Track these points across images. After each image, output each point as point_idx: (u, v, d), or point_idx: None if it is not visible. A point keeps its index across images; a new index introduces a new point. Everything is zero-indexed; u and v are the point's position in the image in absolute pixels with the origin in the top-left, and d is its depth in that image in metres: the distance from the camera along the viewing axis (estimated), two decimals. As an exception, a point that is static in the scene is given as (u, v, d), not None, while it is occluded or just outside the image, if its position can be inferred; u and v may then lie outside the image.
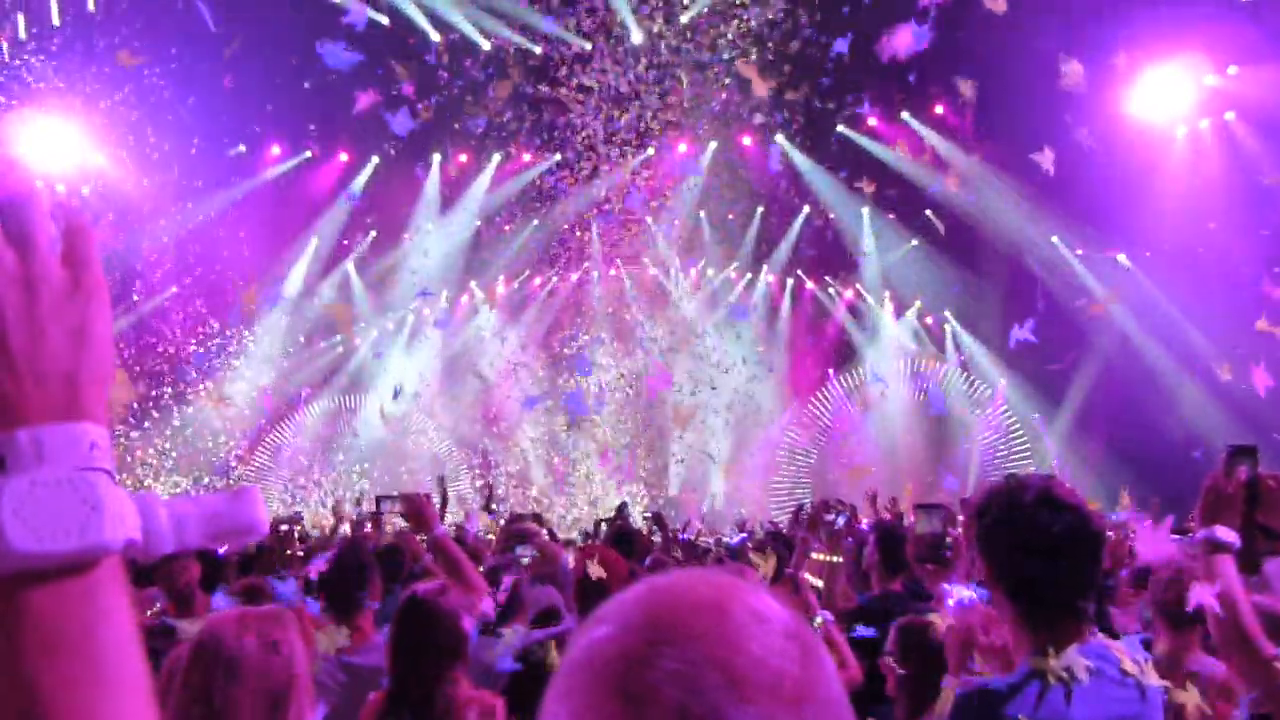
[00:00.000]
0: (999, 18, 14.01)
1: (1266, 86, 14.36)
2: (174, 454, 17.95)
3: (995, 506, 2.12)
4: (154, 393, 17.53)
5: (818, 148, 18.98)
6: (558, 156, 19.17)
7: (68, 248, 0.76)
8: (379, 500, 5.91)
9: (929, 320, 20.84)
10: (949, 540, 4.23)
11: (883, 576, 5.27)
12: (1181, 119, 16.28)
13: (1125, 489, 9.71)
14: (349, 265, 20.17)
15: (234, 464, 18.59)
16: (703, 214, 20.03)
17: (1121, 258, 17.28)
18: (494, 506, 10.34)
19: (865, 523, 8.24)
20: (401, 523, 5.27)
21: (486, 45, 17.60)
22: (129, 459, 17.07)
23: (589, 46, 17.48)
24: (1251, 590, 2.52)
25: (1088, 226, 17.21)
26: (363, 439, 19.91)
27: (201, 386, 17.99)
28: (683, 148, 19.34)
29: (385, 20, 16.96)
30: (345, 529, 8.68)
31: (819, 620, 3.94)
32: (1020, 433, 19.55)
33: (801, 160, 19.14)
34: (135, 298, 17.79)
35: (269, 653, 2.23)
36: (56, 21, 15.13)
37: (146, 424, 17.50)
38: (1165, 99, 15.92)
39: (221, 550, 5.69)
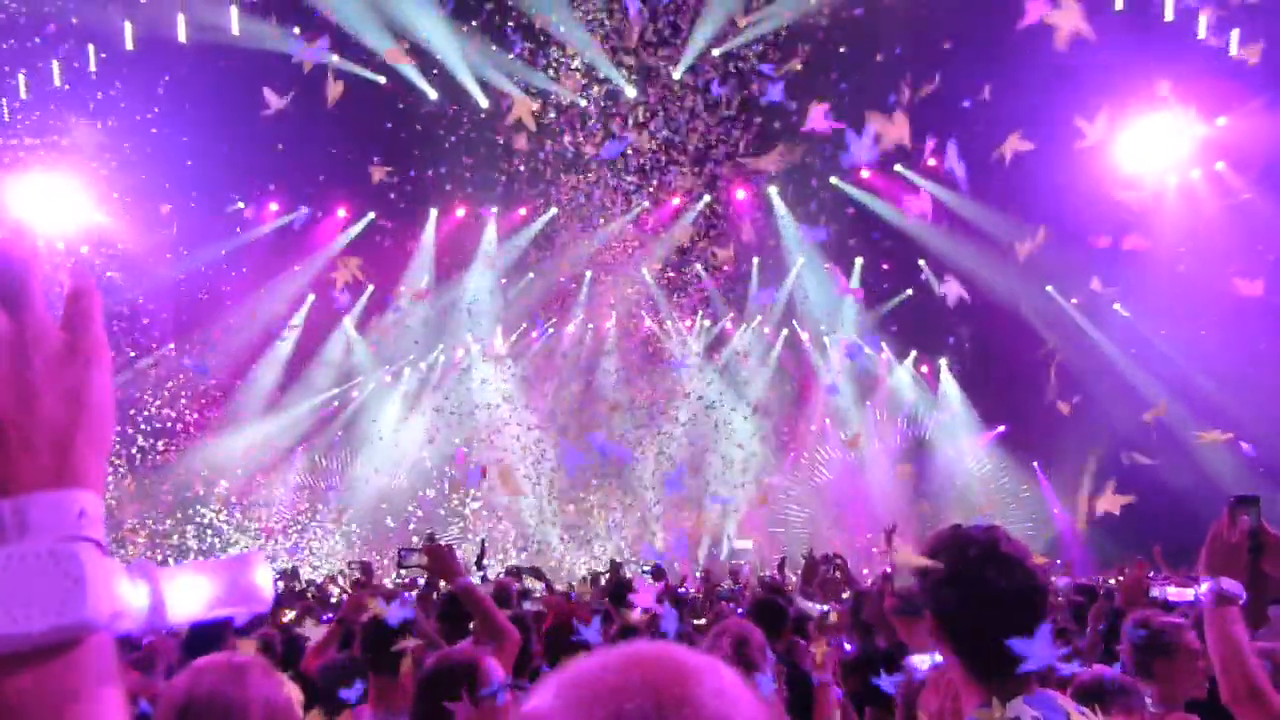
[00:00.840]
0: (986, 69, 14.22)
1: (1255, 136, 14.56)
2: (151, 520, 17.73)
3: (940, 559, 2.11)
4: (149, 456, 17.45)
5: (809, 199, 19.14)
6: (554, 210, 19.33)
7: (69, 309, 0.75)
8: (402, 552, 5.80)
9: (924, 369, 20.88)
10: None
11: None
12: (1173, 169, 16.48)
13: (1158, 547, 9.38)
14: (347, 321, 20.19)
15: (221, 524, 18.41)
16: (699, 266, 20.14)
17: (1117, 305, 17.36)
18: (485, 562, 10.24)
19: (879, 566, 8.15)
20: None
21: (485, 103, 17.81)
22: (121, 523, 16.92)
23: (584, 103, 17.70)
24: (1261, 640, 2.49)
25: (1082, 276, 17.31)
26: (356, 494, 19.76)
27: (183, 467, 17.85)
28: (676, 200, 19.51)
29: (383, 80, 17.19)
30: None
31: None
32: (1007, 481, 19.51)
33: (785, 214, 19.37)
34: (132, 354, 17.80)
35: (227, 701, 2.20)
36: (58, 82, 15.32)
37: (143, 480, 17.38)
38: (1156, 150, 16.12)
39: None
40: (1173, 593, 3.21)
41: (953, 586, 2.08)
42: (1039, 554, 2.23)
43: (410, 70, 17.15)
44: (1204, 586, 2.44)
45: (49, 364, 0.72)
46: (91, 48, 15.25)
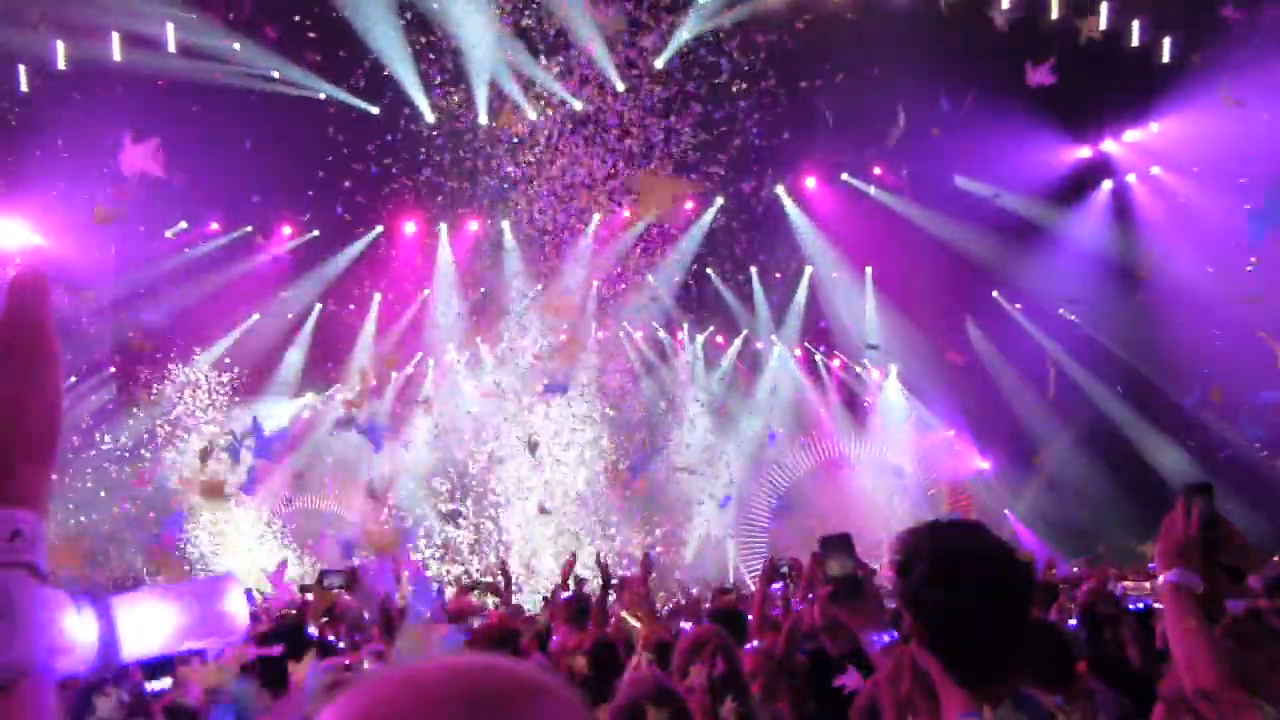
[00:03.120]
0: (927, 84, 14.43)
1: (1187, 141, 14.93)
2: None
3: (920, 558, 1.97)
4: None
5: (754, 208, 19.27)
6: (506, 223, 19.21)
7: (9, 303, 0.65)
8: (323, 574, 5.78)
9: (876, 374, 21.03)
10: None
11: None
12: (1108, 174, 16.86)
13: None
14: (299, 340, 19.85)
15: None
16: (651, 278, 20.10)
17: (1063, 310, 17.65)
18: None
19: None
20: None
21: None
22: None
23: (533, 115, 17.58)
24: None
25: (1024, 281, 17.65)
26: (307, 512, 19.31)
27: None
28: (627, 213, 19.45)
29: (323, 96, 16.94)
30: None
31: None
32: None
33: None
34: (74, 378, 17.32)
35: None
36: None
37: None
38: (1090, 154, 16.48)
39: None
40: (1130, 587, 3.19)
41: (936, 588, 1.94)
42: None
43: (346, 88, 16.94)
44: (1160, 579, 2.43)
45: None
46: (22, 67, 14.88)
